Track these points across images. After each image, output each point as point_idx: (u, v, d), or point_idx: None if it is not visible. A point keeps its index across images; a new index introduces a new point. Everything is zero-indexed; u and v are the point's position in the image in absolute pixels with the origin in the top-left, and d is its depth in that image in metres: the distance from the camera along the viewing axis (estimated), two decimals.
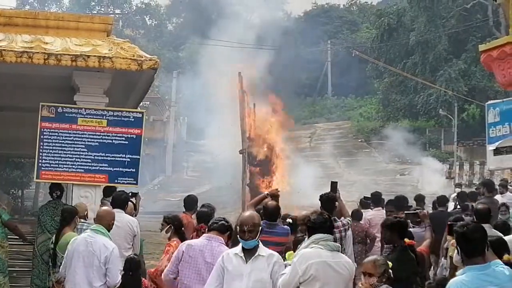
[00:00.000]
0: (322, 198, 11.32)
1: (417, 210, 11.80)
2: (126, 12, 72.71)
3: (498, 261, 6.77)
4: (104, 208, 9.89)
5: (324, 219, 7.98)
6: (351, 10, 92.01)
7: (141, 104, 15.20)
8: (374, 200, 17.24)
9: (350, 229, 11.62)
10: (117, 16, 68.47)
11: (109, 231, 9.45)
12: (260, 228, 7.84)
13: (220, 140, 36.00)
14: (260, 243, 7.89)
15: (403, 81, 62.93)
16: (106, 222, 9.40)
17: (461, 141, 55.59)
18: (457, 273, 6.65)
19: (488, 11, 59.57)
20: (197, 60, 43.08)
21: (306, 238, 8.28)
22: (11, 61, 10.87)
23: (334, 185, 12.60)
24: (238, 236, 7.80)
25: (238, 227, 7.82)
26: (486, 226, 11.34)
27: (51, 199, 13.71)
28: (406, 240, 9.16)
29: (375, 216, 16.01)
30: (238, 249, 7.79)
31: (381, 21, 66.83)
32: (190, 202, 13.00)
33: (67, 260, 9.39)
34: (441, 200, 16.92)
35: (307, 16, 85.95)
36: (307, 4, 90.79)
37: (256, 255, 7.71)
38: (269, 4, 71.08)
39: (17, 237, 14.64)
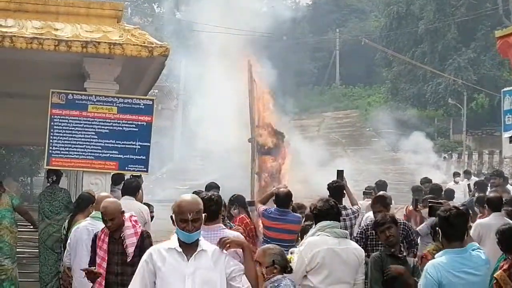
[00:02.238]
0: (330, 186, 11.31)
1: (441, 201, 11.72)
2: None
3: (475, 244, 7.02)
4: (103, 193, 9.83)
5: (331, 206, 7.90)
6: None
7: (150, 92, 15.15)
8: (379, 188, 17.27)
9: (359, 216, 11.61)
10: (126, 3, 68.49)
11: None
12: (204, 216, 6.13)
13: (229, 129, 35.90)
14: (201, 236, 6.19)
15: (412, 70, 62.73)
16: None
17: (469, 131, 55.41)
18: (435, 255, 6.95)
19: None
20: (205, 49, 42.89)
21: (313, 226, 8.23)
22: (22, 47, 10.81)
23: (340, 173, 12.60)
24: (176, 226, 6.10)
25: (176, 215, 6.01)
26: (497, 214, 11.40)
27: (48, 184, 13.77)
28: None
29: None
30: (172, 243, 6.09)
31: (390, 9, 66.59)
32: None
33: (71, 249, 9.42)
34: (448, 194, 16.92)
35: (315, 5, 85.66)
36: None
37: (198, 250, 6.05)
38: None
39: (28, 223, 14.72)
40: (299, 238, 10.43)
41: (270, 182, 30.91)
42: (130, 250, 8.35)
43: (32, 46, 10.87)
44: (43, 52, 11.05)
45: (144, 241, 8.41)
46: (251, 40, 45.59)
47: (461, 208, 7.26)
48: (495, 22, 56.56)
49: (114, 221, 8.35)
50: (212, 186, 11.95)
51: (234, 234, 7.22)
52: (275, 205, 11.37)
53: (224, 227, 7.74)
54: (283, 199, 11.21)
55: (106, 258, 8.38)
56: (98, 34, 11.36)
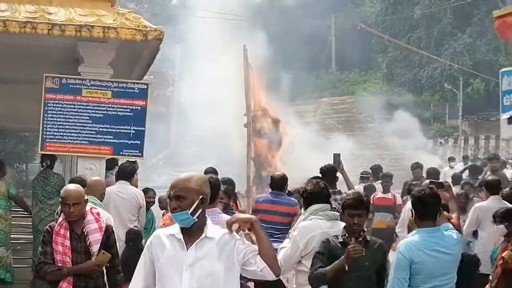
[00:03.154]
0: (322, 169, 11.31)
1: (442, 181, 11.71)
2: None
3: (449, 225, 7.34)
4: (94, 178, 9.75)
5: (321, 188, 7.89)
6: None
7: (145, 77, 15.07)
8: (375, 173, 17.33)
9: None
10: None
11: (101, 200, 9.32)
12: (204, 198, 5.36)
13: (224, 114, 35.88)
14: (209, 219, 5.47)
15: (408, 56, 62.58)
16: (98, 192, 9.27)
17: (465, 116, 55.37)
18: (409, 234, 7.25)
19: None
20: (200, 34, 42.82)
21: (302, 210, 8.18)
22: (15, 31, 10.71)
23: (336, 157, 12.59)
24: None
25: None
26: (496, 197, 11.40)
27: (42, 169, 13.71)
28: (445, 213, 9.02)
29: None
30: (175, 228, 5.41)
31: None
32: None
33: None
34: (456, 178, 17.00)
35: None
36: None
37: (202, 237, 5.29)
38: None
39: (22, 209, 14.67)
40: None
41: (266, 167, 30.96)
42: (95, 248, 7.51)
43: (26, 30, 10.77)
44: (36, 36, 10.96)
45: (110, 238, 7.69)
46: (246, 26, 45.52)
47: (433, 188, 7.47)
48: (491, 7, 56.37)
49: (77, 207, 7.42)
50: (210, 171, 11.82)
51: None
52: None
53: (220, 211, 7.69)
54: (277, 182, 11.25)
55: (71, 257, 7.49)
56: (92, 18, 11.26)
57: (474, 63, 56.43)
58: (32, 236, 13.99)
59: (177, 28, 46.46)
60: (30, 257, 14.53)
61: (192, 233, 5.30)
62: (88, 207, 7.66)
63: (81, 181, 10.22)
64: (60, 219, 7.69)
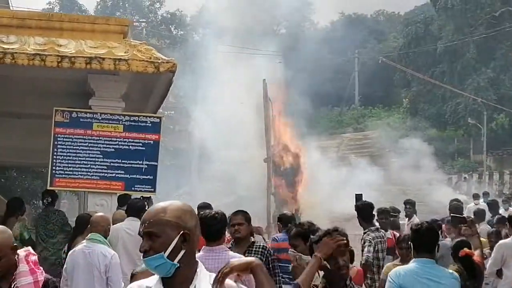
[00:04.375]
0: (359, 206, 11.05)
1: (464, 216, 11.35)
2: (151, 20, 72.84)
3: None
4: (98, 213, 9.40)
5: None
6: (378, 20, 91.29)
7: (166, 113, 14.78)
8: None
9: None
10: (143, 25, 68.72)
11: (106, 237, 8.96)
12: (187, 234, 3.80)
13: (245, 150, 35.64)
14: (201, 265, 3.93)
15: (431, 90, 62.27)
16: (101, 228, 8.90)
17: (490, 151, 54.82)
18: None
19: None
20: (221, 70, 42.78)
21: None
22: (23, 63, 10.51)
23: (359, 197, 12.29)
24: None
25: None
26: None
27: (43, 206, 13.38)
28: (466, 249, 8.68)
29: None
30: (152, 279, 3.91)
31: (408, 29, 66.32)
32: None
33: (68, 275, 8.90)
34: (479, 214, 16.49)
35: (334, 26, 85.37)
36: (334, 14, 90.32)
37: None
38: (296, 14, 70.77)
39: None
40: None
41: (285, 203, 30.60)
42: None
43: (34, 63, 10.57)
44: (46, 69, 10.77)
45: None
46: (267, 62, 45.48)
47: (432, 223, 7.60)
48: None
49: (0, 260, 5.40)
50: (203, 207, 10.78)
51: (236, 256, 6.72)
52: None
53: (227, 249, 7.27)
54: (286, 222, 11.08)
55: None
56: (103, 49, 11.03)
57: (498, 97, 56.05)
58: None
59: (199, 64, 46.48)
60: None
61: (175, 284, 3.81)
62: (22, 254, 5.66)
63: (88, 218, 9.89)
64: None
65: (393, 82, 70.72)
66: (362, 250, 10.52)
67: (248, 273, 4.02)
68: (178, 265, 3.78)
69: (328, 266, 5.31)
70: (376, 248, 10.50)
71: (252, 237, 8.71)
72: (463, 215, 11.94)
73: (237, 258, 4.85)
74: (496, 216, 15.73)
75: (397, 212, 16.85)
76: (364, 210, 10.93)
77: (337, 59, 71.18)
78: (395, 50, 70.44)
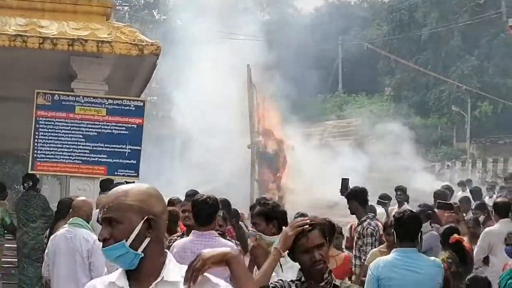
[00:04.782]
0: (356, 190, 10.38)
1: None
2: (134, 5, 72.41)
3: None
4: (80, 198, 9.21)
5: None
6: (362, 7, 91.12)
7: (148, 99, 14.59)
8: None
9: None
10: (125, 9, 68.27)
11: (88, 221, 8.80)
12: (152, 219, 3.35)
13: (228, 136, 35.45)
14: (170, 255, 3.48)
15: (415, 78, 62.27)
16: (83, 213, 8.76)
17: (473, 139, 54.92)
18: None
19: (502, 6, 58.73)
20: (204, 55, 42.51)
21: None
22: (4, 45, 10.31)
23: (345, 182, 12.03)
24: None
25: None
26: (505, 220, 10.80)
27: (24, 190, 13.26)
28: (456, 236, 8.56)
29: None
30: (116, 273, 3.47)
31: (392, 16, 66.23)
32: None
33: (49, 259, 8.75)
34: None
35: (318, 13, 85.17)
36: (317, 0, 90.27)
37: (158, 280, 3.35)
38: (279, 0, 70.59)
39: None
40: None
41: (268, 190, 30.48)
42: None
43: (16, 44, 10.37)
44: (27, 51, 10.55)
45: None
46: (251, 47, 45.30)
47: (414, 211, 7.59)
48: (498, 29, 56.11)
49: None
50: (191, 194, 10.14)
51: (227, 244, 6.63)
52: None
53: (217, 234, 7.17)
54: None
55: None
56: (85, 31, 10.82)
57: (482, 85, 56.06)
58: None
59: (181, 48, 46.18)
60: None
61: (141, 277, 3.37)
62: None
63: (70, 203, 9.70)
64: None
65: (377, 69, 70.67)
66: (357, 240, 9.96)
67: (224, 266, 3.53)
68: (142, 255, 3.36)
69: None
70: (377, 241, 9.82)
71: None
72: (449, 202, 11.82)
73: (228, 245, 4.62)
74: (475, 202, 15.60)
75: (388, 200, 16.73)
76: (360, 196, 10.16)
77: (321, 46, 70.96)
78: (379, 37, 70.36)
